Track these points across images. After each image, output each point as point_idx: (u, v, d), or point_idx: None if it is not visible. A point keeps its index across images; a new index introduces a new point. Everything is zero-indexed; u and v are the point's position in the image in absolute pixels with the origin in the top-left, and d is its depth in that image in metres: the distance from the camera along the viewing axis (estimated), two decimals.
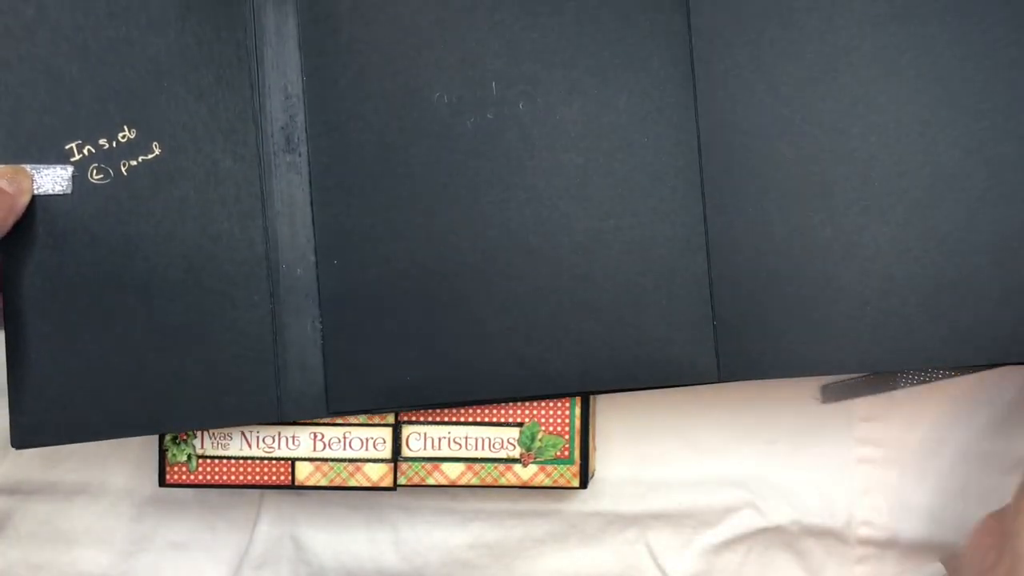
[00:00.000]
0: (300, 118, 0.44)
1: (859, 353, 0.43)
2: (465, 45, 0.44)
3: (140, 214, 0.42)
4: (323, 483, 0.46)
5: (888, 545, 0.49)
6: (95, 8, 0.42)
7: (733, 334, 0.44)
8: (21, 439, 0.42)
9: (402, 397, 0.44)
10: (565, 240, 0.44)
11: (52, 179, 0.42)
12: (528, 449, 0.46)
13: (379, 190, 0.44)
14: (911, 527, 0.48)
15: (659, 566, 0.49)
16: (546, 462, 0.46)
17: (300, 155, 0.44)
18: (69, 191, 0.42)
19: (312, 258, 0.44)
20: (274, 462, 0.46)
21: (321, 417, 0.45)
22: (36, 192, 0.41)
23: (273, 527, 0.49)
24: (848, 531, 0.48)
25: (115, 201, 0.42)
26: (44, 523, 0.49)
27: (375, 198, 0.44)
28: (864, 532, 0.49)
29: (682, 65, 0.44)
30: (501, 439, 0.46)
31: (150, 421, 0.43)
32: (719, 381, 0.44)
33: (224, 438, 0.45)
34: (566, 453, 0.46)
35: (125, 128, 0.42)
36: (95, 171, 0.42)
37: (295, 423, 0.45)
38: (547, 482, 0.46)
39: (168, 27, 0.43)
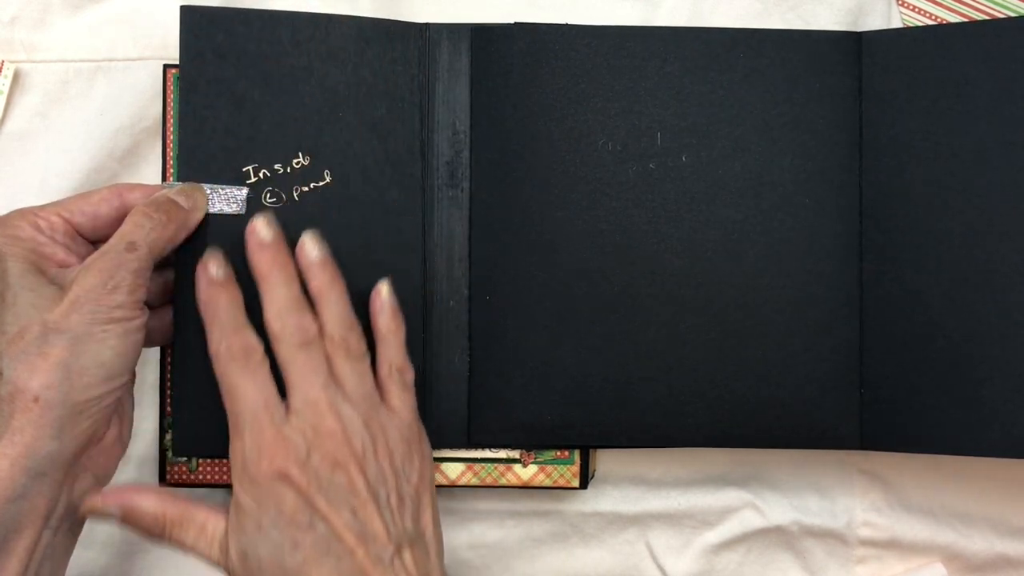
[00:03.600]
0: (465, 154, 0.45)
1: (1012, 437, 0.42)
2: (633, 94, 0.44)
3: None
4: None
5: (888, 545, 0.49)
6: (280, 38, 0.43)
7: (879, 403, 0.44)
8: (181, 448, 0.43)
9: (541, 436, 0.45)
10: (717, 295, 0.44)
11: (227, 199, 0.43)
12: (528, 449, 0.46)
13: (536, 231, 0.45)
14: (911, 527, 0.48)
15: (659, 566, 0.49)
16: (546, 462, 0.46)
17: (462, 190, 0.45)
18: (243, 212, 0.43)
19: (466, 292, 0.45)
20: None
21: (462, 447, 0.45)
22: (210, 210, 0.43)
23: None
24: (848, 531, 0.49)
25: (285, 225, 0.43)
26: None
27: (532, 238, 0.45)
28: (864, 532, 0.49)
29: (850, 129, 0.44)
30: None
31: None
32: (861, 448, 0.44)
33: None
34: (566, 453, 0.46)
35: (300, 155, 0.43)
36: (268, 194, 0.43)
37: None
38: (547, 482, 0.46)
39: (347, 59, 0.44)
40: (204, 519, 0.39)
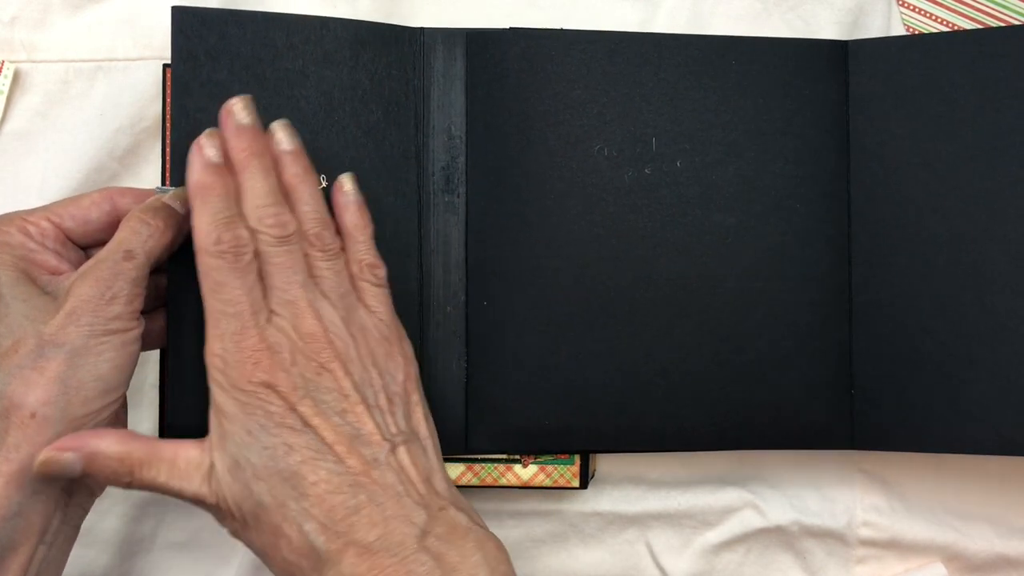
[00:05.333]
0: (461, 159, 0.45)
1: (999, 435, 0.43)
2: (629, 100, 0.45)
3: None
4: None
5: (888, 545, 0.49)
6: (274, 40, 0.43)
7: (870, 404, 0.44)
8: None
9: (539, 441, 0.45)
10: (711, 299, 0.45)
11: None
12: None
13: (533, 236, 0.45)
14: (911, 527, 0.49)
15: (659, 566, 0.49)
16: (546, 462, 0.46)
17: (458, 196, 0.45)
18: None
19: (463, 297, 0.45)
20: None
21: (459, 453, 0.46)
22: None
23: None
24: (848, 531, 0.49)
25: None
26: None
27: (528, 244, 0.45)
28: (864, 532, 0.49)
29: (838, 134, 0.45)
30: None
31: None
32: (852, 448, 0.45)
33: None
34: (566, 453, 0.46)
35: None
36: None
37: None
38: (547, 482, 0.46)
39: (342, 63, 0.44)
40: (173, 454, 0.36)
